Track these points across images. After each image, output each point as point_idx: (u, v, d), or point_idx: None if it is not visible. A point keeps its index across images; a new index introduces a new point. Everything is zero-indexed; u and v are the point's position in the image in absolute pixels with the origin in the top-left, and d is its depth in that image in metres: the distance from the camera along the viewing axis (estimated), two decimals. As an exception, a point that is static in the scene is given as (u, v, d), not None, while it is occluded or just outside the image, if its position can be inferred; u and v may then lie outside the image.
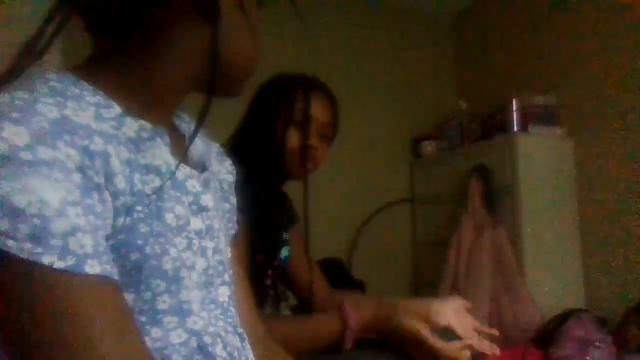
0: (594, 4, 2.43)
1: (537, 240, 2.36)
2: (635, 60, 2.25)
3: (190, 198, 0.57)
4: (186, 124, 0.67)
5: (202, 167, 0.65)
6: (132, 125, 0.52)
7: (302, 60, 2.84)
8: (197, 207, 0.58)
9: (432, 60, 3.26)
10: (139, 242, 0.49)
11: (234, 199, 0.75)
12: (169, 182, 0.54)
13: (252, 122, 1.24)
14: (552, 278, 2.38)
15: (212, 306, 0.59)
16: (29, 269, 0.41)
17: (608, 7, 2.36)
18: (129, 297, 0.50)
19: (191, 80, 0.58)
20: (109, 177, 0.47)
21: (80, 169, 0.44)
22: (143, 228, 0.50)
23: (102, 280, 0.44)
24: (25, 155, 0.41)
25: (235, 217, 0.76)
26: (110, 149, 0.47)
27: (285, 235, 1.30)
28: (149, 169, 0.52)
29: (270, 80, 1.28)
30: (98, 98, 0.50)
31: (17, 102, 0.44)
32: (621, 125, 2.30)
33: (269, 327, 0.79)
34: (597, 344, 1.92)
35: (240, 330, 0.64)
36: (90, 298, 0.43)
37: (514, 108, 2.46)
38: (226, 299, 0.62)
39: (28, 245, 0.40)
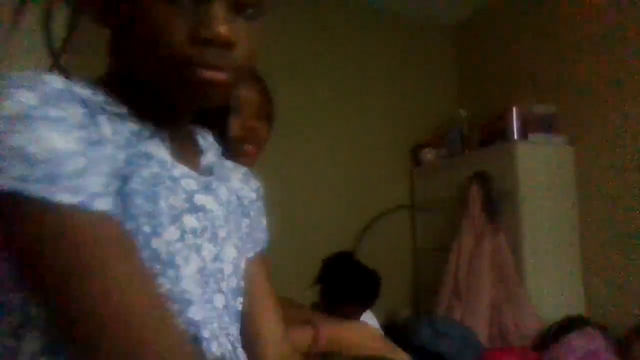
0: (593, 12, 2.45)
1: (537, 247, 2.37)
2: (635, 68, 2.26)
3: (184, 195, 0.59)
4: (207, 142, 0.71)
5: (209, 173, 0.67)
6: (134, 125, 0.57)
7: (302, 65, 2.88)
8: (190, 205, 0.59)
9: (433, 68, 3.28)
10: (133, 211, 0.53)
11: (258, 217, 0.78)
12: (165, 173, 0.57)
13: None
14: (552, 284, 2.38)
15: (208, 306, 0.60)
16: (43, 208, 0.45)
17: (608, 16, 2.39)
18: None
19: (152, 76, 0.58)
20: (101, 140, 0.51)
21: (82, 127, 0.49)
22: (138, 199, 0.53)
23: (110, 218, 0.49)
24: (36, 113, 0.46)
25: (262, 234, 0.79)
26: (101, 119, 0.52)
27: None
28: (148, 157, 0.56)
29: None
30: (105, 98, 0.56)
31: (26, 73, 0.49)
32: (621, 133, 2.31)
33: None
34: None
35: (231, 338, 0.64)
36: (100, 232, 0.48)
37: (514, 116, 2.48)
38: (220, 306, 0.63)
39: (42, 186, 0.45)
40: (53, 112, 0.47)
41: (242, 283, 0.69)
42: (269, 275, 0.79)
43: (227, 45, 0.55)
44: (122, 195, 0.52)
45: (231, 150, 1.16)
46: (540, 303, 2.30)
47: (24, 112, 0.46)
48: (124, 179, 0.52)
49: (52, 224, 0.45)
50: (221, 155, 0.74)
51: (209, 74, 0.55)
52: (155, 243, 0.54)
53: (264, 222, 0.80)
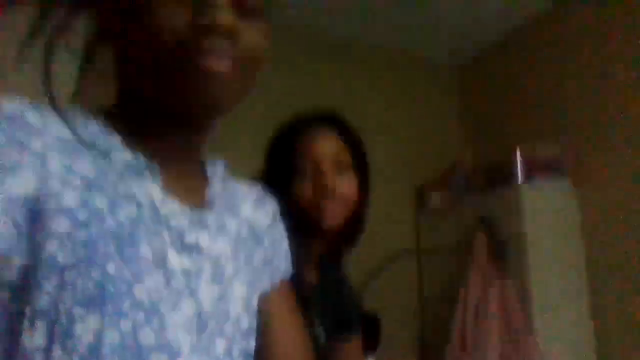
0: (598, 52, 2.44)
1: (544, 293, 2.31)
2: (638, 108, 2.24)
3: (174, 234, 0.56)
4: (215, 170, 0.68)
5: (210, 206, 0.64)
6: (126, 156, 0.56)
7: (302, 106, 2.84)
8: (180, 245, 0.57)
9: (436, 110, 3.27)
10: (99, 260, 0.50)
11: (275, 243, 0.73)
12: (148, 214, 0.55)
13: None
14: (561, 331, 2.31)
15: (205, 355, 0.56)
16: None
17: (612, 57, 2.38)
18: (94, 318, 0.49)
19: (148, 97, 0.58)
20: (43, 177, 0.50)
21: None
22: (102, 248, 0.50)
23: None
24: None
25: (282, 262, 0.74)
26: (51, 155, 0.50)
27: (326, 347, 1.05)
28: (128, 197, 0.54)
29: (272, 135, 1.17)
30: (100, 128, 0.56)
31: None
32: (627, 176, 2.28)
33: None
34: None
35: None
36: None
37: (518, 159, 2.45)
38: (222, 352, 0.59)
39: None
40: None
41: (255, 322, 0.65)
42: (293, 307, 0.74)
43: (227, 32, 0.54)
44: (84, 244, 0.49)
45: (303, 220, 0.96)
46: (549, 352, 2.22)
47: None
48: (81, 224, 0.50)
49: None
50: (228, 179, 0.69)
51: (209, 63, 0.53)
52: (137, 291, 0.51)
53: (284, 246, 0.76)
